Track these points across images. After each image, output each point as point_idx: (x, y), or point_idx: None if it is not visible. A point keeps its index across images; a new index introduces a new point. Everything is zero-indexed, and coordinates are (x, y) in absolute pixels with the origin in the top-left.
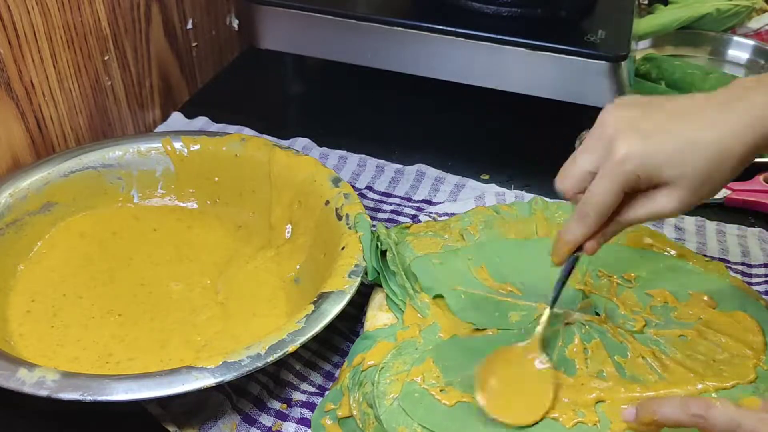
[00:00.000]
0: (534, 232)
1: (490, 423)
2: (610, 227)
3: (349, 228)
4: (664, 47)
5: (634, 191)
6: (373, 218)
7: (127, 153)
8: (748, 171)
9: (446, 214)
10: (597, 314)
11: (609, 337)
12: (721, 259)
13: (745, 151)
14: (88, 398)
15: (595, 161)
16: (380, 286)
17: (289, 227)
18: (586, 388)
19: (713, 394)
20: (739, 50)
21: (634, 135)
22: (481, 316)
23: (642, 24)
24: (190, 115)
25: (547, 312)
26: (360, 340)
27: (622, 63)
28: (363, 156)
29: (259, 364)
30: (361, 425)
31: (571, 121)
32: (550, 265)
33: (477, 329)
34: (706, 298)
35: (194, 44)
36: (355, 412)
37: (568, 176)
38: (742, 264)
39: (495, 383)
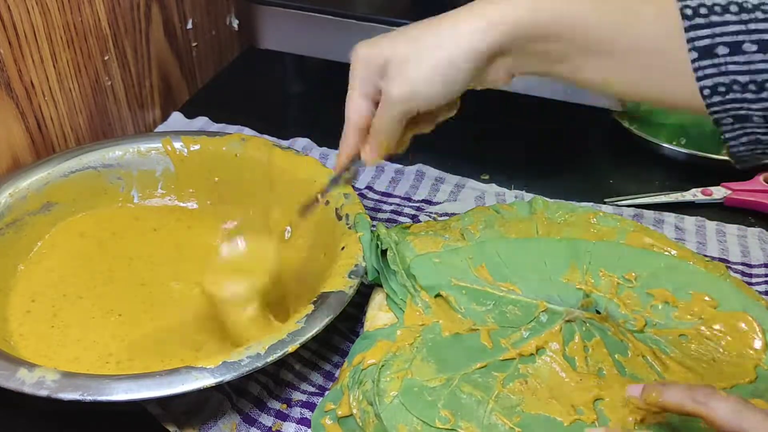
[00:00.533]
0: (534, 232)
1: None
2: (370, 136)
3: (349, 228)
4: None
5: (376, 96)
6: (373, 218)
7: (127, 153)
8: (748, 171)
9: (446, 214)
10: (598, 312)
11: (609, 336)
12: (721, 259)
13: (471, 59)
14: (88, 398)
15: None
16: (380, 286)
17: (288, 228)
18: (585, 385)
19: None
20: None
21: (366, 46)
22: (482, 312)
23: None
24: (190, 115)
25: (314, 204)
26: (360, 340)
27: None
28: None
29: (259, 364)
30: (360, 423)
31: (571, 121)
32: (550, 265)
33: (475, 328)
34: (707, 298)
35: (194, 44)
36: (354, 411)
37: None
38: (742, 264)
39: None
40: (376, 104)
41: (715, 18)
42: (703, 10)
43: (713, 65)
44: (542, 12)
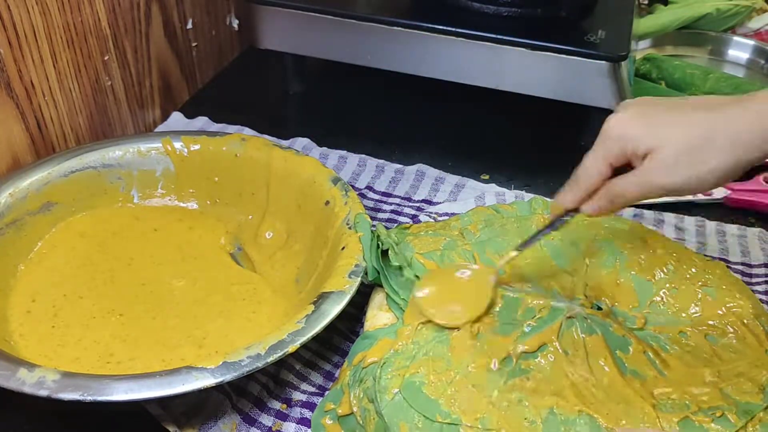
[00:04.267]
0: (534, 232)
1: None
2: (602, 195)
3: (350, 228)
4: (664, 47)
5: (621, 164)
6: (373, 218)
7: (128, 153)
8: (748, 171)
9: (446, 214)
10: (599, 309)
11: (610, 332)
12: (721, 259)
13: (752, 164)
14: (88, 398)
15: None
16: (380, 286)
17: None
18: (586, 381)
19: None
20: (739, 50)
21: (623, 115)
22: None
23: (642, 24)
24: (190, 115)
25: (513, 254)
26: (360, 340)
27: (622, 63)
28: (363, 156)
29: (259, 364)
30: (361, 422)
31: (571, 121)
32: (551, 262)
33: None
34: (701, 293)
35: (194, 44)
36: (355, 409)
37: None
38: (742, 264)
39: (435, 291)
40: (613, 169)
41: None
42: None
43: None
44: None
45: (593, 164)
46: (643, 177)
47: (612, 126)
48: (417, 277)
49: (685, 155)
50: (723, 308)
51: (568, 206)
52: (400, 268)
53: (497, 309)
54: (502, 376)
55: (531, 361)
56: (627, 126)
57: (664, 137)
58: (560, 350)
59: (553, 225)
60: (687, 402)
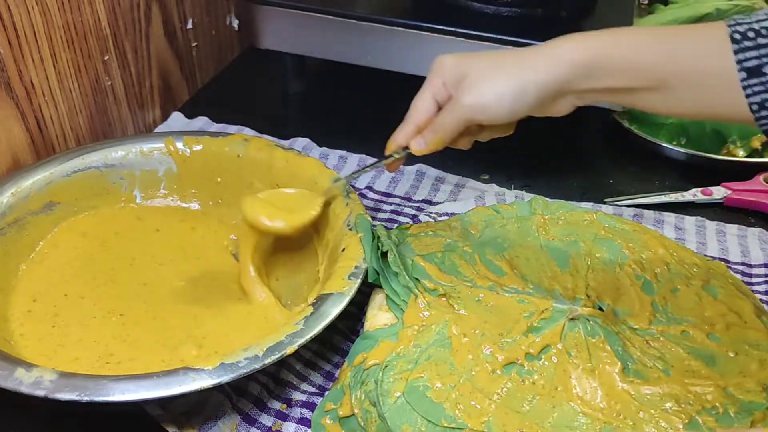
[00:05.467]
0: (534, 232)
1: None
2: (428, 129)
3: (350, 230)
4: None
5: (444, 100)
6: (373, 218)
7: (130, 153)
8: (748, 171)
9: (446, 214)
10: (601, 310)
11: (613, 333)
12: (721, 259)
13: (540, 88)
14: (85, 399)
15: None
16: (380, 286)
17: None
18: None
19: (720, 392)
20: None
21: (445, 56)
22: (485, 311)
23: (642, 24)
24: (190, 115)
25: (342, 181)
26: (360, 340)
27: None
28: (363, 156)
29: (257, 366)
30: (362, 424)
31: (571, 121)
32: (552, 263)
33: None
34: (704, 293)
35: (194, 44)
36: (356, 410)
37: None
38: (742, 264)
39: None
40: (439, 108)
41: (762, 41)
42: (751, 34)
43: (761, 83)
44: (599, 51)
45: (421, 101)
46: (454, 102)
47: (435, 64)
48: (416, 279)
49: (483, 77)
50: (724, 308)
51: (401, 142)
52: (396, 274)
53: (500, 311)
54: (506, 379)
55: (535, 364)
56: (445, 61)
57: (472, 65)
58: (564, 352)
59: (381, 160)
60: (690, 402)
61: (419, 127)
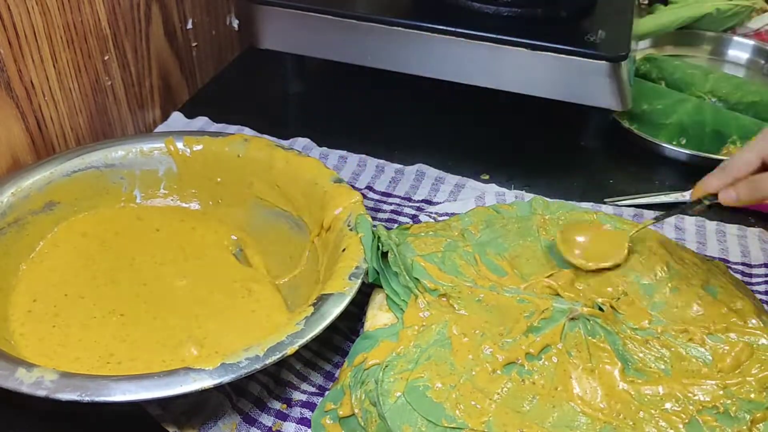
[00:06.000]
0: (534, 232)
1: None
2: (745, 184)
3: (350, 229)
4: (664, 47)
5: None
6: (373, 218)
7: (130, 153)
8: None
9: (446, 214)
10: (601, 309)
11: (613, 333)
12: (721, 259)
13: None
14: (86, 399)
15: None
16: (381, 286)
17: None
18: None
19: (720, 391)
20: (739, 50)
21: None
22: (485, 311)
23: (642, 24)
24: (190, 115)
25: (649, 222)
26: (360, 340)
27: (622, 63)
28: (363, 156)
29: (258, 366)
30: (363, 423)
31: (571, 121)
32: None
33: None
34: (707, 296)
35: (194, 44)
36: (356, 410)
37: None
38: (742, 264)
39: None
40: (762, 168)
41: None
42: None
43: None
44: None
45: (747, 156)
46: None
47: None
48: (417, 279)
49: None
50: (724, 308)
51: (710, 190)
52: (396, 274)
53: (499, 311)
54: (506, 379)
55: (535, 363)
56: None
57: None
58: (564, 352)
59: (689, 206)
60: (691, 401)
61: (735, 180)
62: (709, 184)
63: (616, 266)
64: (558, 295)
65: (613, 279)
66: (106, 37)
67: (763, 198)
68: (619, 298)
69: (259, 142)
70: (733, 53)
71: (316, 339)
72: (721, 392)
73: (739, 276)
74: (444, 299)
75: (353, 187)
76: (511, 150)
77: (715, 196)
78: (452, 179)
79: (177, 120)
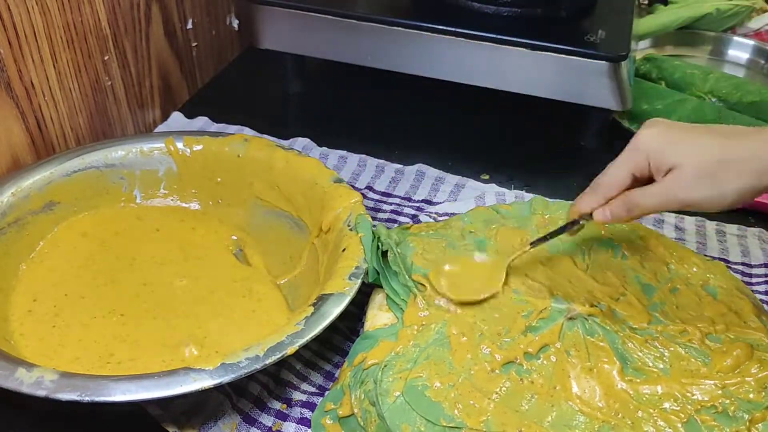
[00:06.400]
0: (535, 232)
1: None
2: (619, 203)
3: (350, 230)
4: (664, 47)
5: (642, 176)
6: (373, 218)
7: (130, 153)
8: None
9: (446, 214)
10: (600, 309)
11: (612, 332)
12: (721, 259)
13: (753, 166)
14: (86, 399)
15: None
16: (380, 286)
17: None
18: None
19: (719, 391)
20: (739, 50)
21: (652, 130)
22: (485, 310)
23: (642, 24)
24: (190, 115)
25: (526, 248)
26: (360, 340)
27: (622, 63)
28: (363, 156)
29: (258, 366)
30: (362, 423)
31: (571, 121)
32: (551, 262)
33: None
34: (703, 291)
35: (194, 44)
36: (356, 410)
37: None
38: (742, 264)
39: (449, 274)
40: (635, 180)
41: None
42: None
43: None
44: None
45: (617, 173)
46: (664, 189)
47: (641, 139)
48: (416, 279)
49: (707, 174)
50: (724, 308)
51: (584, 210)
52: (396, 273)
53: (499, 309)
54: (504, 379)
55: (533, 363)
56: (655, 140)
57: (689, 154)
58: (562, 351)
59: (566, 228)
60: (689, 401)
61: (607, 199)
62: (583, 204)
63: (491, 297)
64: (557, 294)
65: (613, 279)
66: (106, 37)
67: (636, 215)
68: (618, 298)
69: (259, 142)
70: (733, 53)
71: (316, 339)
72: (720, 392)
73: (739, 276)
74: (444, 297)
75: (353, 187)
76: (511, 150)
77: (590, 215)
78: (452, 179)
79: (177, 120)
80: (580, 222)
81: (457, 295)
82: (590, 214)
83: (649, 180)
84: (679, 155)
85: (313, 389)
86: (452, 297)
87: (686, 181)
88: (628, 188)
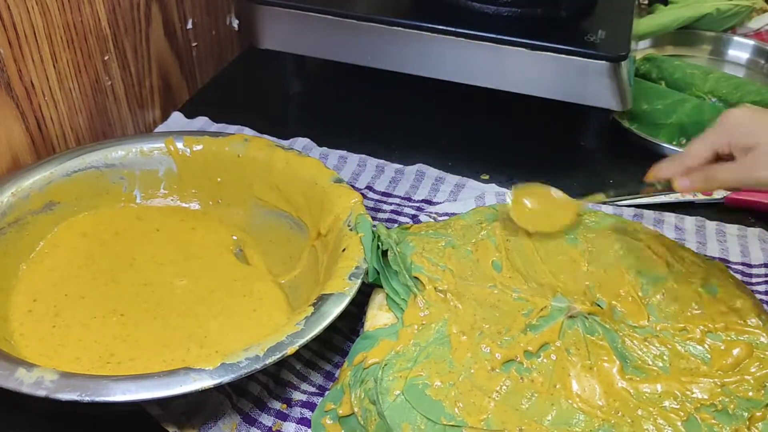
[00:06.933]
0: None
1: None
2: (699, 174)
3: (351, 229)
4: (664, 47)
5: (724, 154)
6: (373, 218)
7: (130, 153)
8: None
9: (446, 214)
10: (600, 307)
11: (612, 331)
12: (721, 259)
13: None
14: (86, 399)
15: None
16: (380, 286)
17: None
18: (588, 380)
19: (718, 389)
20: (739, 50)
21: (741, 111)
22: (484, 309)
23: (642, 24)
24: (190, 115)
25: (600, 197)
26: (360, 340)
27: (622, 63)
28: (363, 156)
29: (258, 366)
30: (362, 422)
31: (571, 121)
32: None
33: (479, 325)
34: (701, 290)
35: (194, 44)
36: (356, 409)
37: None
38: (742, 264)
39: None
40: (716, 159)
41: None
42: None
43: None
44: None
45: (701, 146)
46: (743, 166)
47: (729, 117)
48: (416, 278)
49: None
50: (724, 307)
51: (664, 175)
52: (396, 272)
53: (499, 308)
54: (504, 377)
55: (533, 361)
56: (742, 119)
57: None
58: (562, 349)
59: (645, 185)
60: (689, 399)
61: (688, 169)
62: (664, 170)
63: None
64: (557, 292)
65: (614, 277)
66: (106, 37)
67: (714, 188)
68: (619, 297)
69: (259, 142)
70: (733, 53)
71: (316, 339)
72: (720, 390)
73: (739, 276)
74: (442, 295)
75: (353, 187)
76: (511, 150)
77: (668, 182)
78: (452, 179)
79: (177, 120)
80: (656, 185)
81: (534, 227)
82: (668, 181)
83: (730, 158)
84: (760, 135)
85: (313, 389)
86: (530, 228)
87: (764, 162)
88: (709, 163)
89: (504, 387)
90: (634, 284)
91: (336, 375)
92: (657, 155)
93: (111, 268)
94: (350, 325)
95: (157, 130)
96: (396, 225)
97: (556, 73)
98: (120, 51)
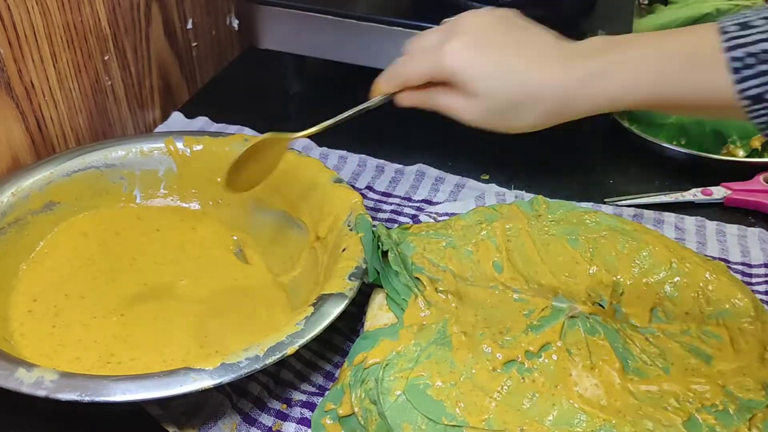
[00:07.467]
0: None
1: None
2: (422, 96)
3: (351, 229)
4: None
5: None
6: (373, 218)
7: (130, 153)
8: (748, 171)
9: (446, 214)
10: (601, 307)
11: (613, 331)
12: (721, 259)
13: (554, 106)
14: (86, 399)
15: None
16: (381, 286)
17: None
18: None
19: (720, 390)
20: None
21: (472, 42)
22: (485, 308)
23: (642, 24)
24: (190, 115)
25: (327, 123)
26: (360, 340)
27: None
28: (363, 156)
29: (258, 366)
30: (363, 422)
31: (570, 121)
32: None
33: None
34: (707, 296)
35: (194, 44)
36: (356, 409)
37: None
38: (742, 264)
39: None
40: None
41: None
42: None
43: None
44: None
45: (418, 71)
46: (460, 106)
47: (448, 55)
48: (417, 278)
49: (503, 111)
50: (724, 307)
51: (387, 91)
52: (396, 273)
53: (500, 308)
54: (506, 377)
55: (535, 361)
56: (463, 60)
57: (491, 89)
58: (563, 350)
59: (372, 104)
60: (690, 400)
61: (407, 87)
62: (385, 87)
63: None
64: (558, 293)
65: (615, 277)
66: (106, 37)
67: (433, 108)
68: (620, 296)
69: None
70: None
71: (316, 339)
72: (721, 391)
73: (739, 276)
74: (443, 295)
75: (353, 187)
76: (511, 150)
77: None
78: (452, 179)
79: (177, 120)
80: (383, 99)
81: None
82: (393, 94)
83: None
84: (483, 87)
85: (313, 389)
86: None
87: (480, 110)
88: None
89: (505, 387)
90: (636, 284)
91: (336, 375)
92: (657, 155)
93: (111, 268)
94: (350, 325)
95: (157, 130)
96: (396, 225)
97: None
98: (120, 51)
